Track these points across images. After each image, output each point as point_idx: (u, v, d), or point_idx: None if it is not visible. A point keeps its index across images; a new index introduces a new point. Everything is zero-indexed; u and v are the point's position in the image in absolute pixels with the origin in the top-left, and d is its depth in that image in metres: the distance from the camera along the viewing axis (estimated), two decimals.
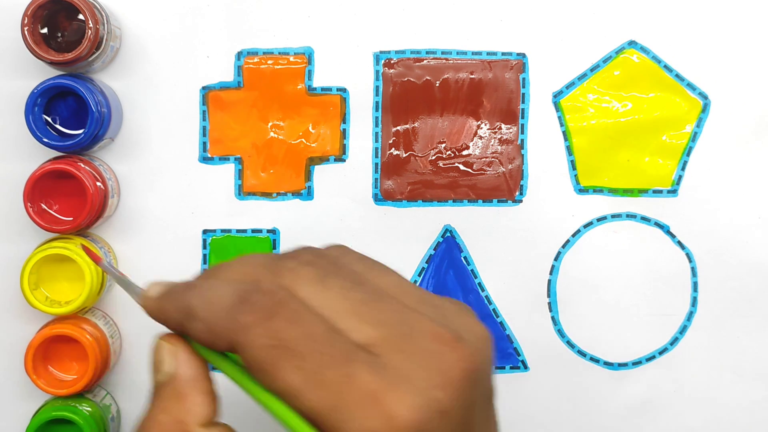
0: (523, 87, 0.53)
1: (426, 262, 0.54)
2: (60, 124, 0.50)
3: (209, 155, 0.53)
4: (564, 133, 0.54)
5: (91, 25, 0.47)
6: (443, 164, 0.53)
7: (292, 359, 0.30)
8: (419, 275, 0.54)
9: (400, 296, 0.33)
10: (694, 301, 0.54)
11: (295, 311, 0.31)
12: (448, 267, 0.54)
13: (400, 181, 0.53)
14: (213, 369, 0.33)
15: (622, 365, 0.54)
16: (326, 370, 0.30)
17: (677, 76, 0.53)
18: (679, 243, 0.54)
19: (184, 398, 0.33)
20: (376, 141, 0.53)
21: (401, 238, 0.53)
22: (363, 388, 0.29)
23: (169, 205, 0.53)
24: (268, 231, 0.53)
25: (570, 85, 0.53)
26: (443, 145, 0.53)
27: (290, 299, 0.31)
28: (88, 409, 0.50)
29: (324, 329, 0.30)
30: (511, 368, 0.54)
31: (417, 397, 0.30)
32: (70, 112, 0.50)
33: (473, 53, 0.53)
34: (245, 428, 0.40)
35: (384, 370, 0.30)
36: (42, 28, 0.48)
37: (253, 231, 0.53)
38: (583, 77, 0.53)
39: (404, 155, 0.53)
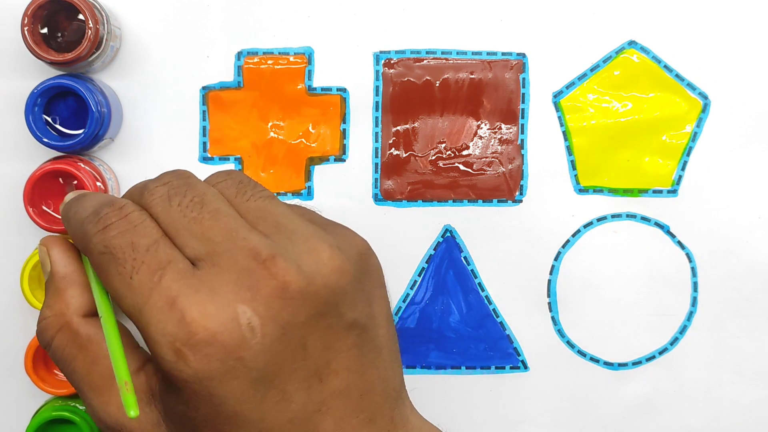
0: (523, 87, 0.53)
1: (426, 262, 0.54)
2: (60, 124, 0.50)
3: (209, 155, 0.53)
4: (564, 133, 0.54)
5: (91, 25, 0.47)
6: (443, 164, 0.53)
7: (115, 265, 0.33)
8: (419, 275, 0.54)
9: (253, 220, 0.34)
10: (694, 301, 0.54)
11: (131, 224, 0.33)
12: (448, 267, 0.54)
13: (400, 181, 0.53)
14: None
15: (622, 365, 0.54)
16: (137, 274, 0.32)
17: (677, 76, 0.53)
18: (679, 243, 0.54)
19: (61, 293, 0.37)
20: (376, 141, 0.53)
21: (401, 238, 0.53)
22: (165, 293, 0.32)
23: None
24: None
25: (570, 85, 0.53)
26: (443, 145, 0.53)
27: (133, 214, 0.34)
28: None
29: (151, 241, 0.33)
30: (511, 368, 0.54)
31: (217, 308, 0.31)
32: (70, 112, 0.50)
33: (473, 53, 0.53)
34: None
35: (195, 280, 0.32)
36: (42, 28, 0.48)
37: None
38: (583, 77, 0.53)
39: (404, 155, 0.53)
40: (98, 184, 0.49)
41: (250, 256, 0.32)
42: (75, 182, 0.49)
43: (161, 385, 0.34)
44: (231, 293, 0.32)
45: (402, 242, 0.53)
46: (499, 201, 0.54)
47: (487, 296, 0.54)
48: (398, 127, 0.53)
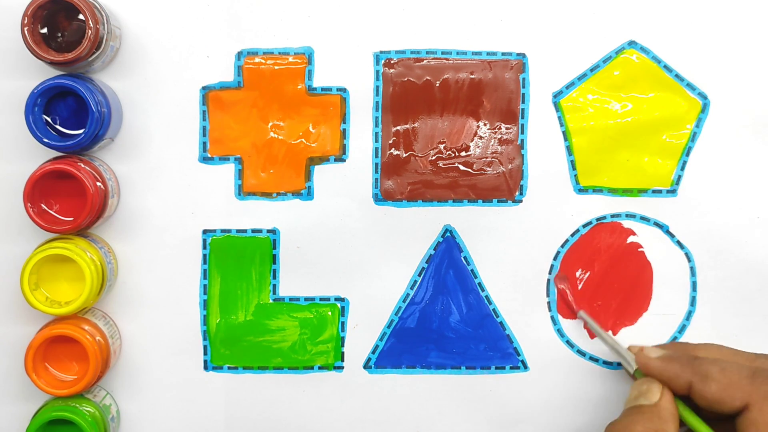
0: (523, 87, 0.53)
1: (426, 262, 0.54)
2: (60, 124, 0.50)
3: (209, 155, 0.53)
4: (564, 133, 0.54)
5: (91, 25, 0.47)
6: (443, 164, 0.53)
7: None
8: (419, 275, 0.54)
9: None
10: (693, 301, 0.55)
11: None
12: (448, 267, 0.54)
13: (400, 181, 0.53)
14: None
15: (621, 365, 0.55)
16: None
17: (677, 76, 0.54)
18: (678, 243, 0.54)
19: (664, 422, 0.45)
20: (376, 141, 0.53)
21: (401, 238, 0.53)
22: None
23: (169, 205, 0.53)
24: (268, 231, 0.53)
25: (570, 85, 0.53)
26: (443, 145, 0.53)
27: None
28: (89, 409, 0.50)
29: None
30: (511, 368, 0.54)
31: None
32: (70, 112, 0.50)
33: (473, 53, 0.53)
34: None
35: None
36: (42, 28, 0.48)
37: (253, 231, 0.53)
38: (583, 77, 0.53)
39: (404, 155, 0.53)
40: (98, 184, 0.49)
41: None
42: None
43: None
44: None
45: (402, 242, 0.53)
46: (499, 201, 0.54)
47: (487, 296, 0.54)
48: (398, 127, 0.53)
